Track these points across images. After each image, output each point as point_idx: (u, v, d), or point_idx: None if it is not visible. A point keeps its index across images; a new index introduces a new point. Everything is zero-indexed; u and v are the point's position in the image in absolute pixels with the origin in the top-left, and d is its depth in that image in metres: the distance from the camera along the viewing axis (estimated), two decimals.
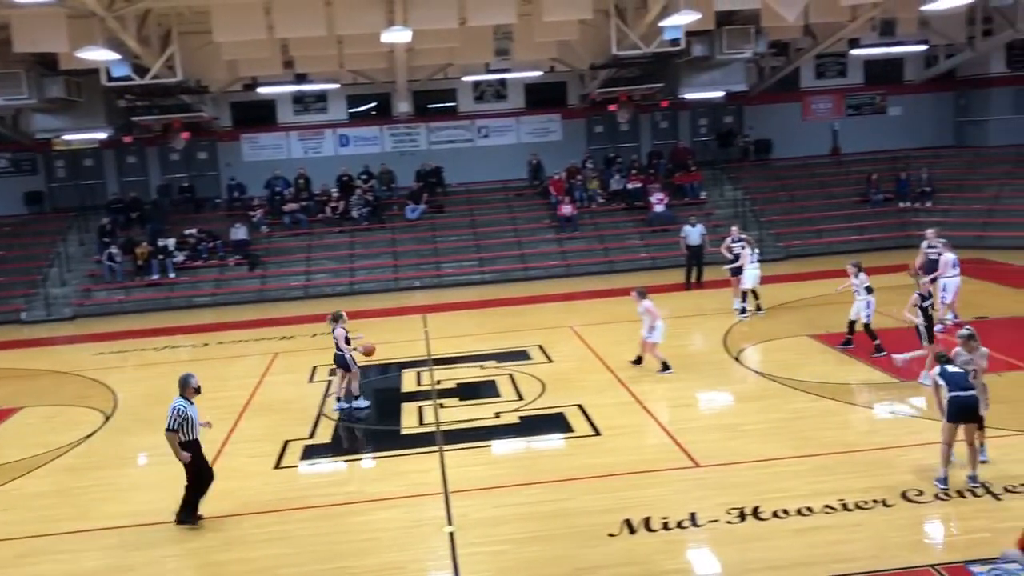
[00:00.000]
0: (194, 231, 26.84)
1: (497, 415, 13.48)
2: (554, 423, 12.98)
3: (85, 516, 10.75)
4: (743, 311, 18.94)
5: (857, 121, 31.54)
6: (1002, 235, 25.03)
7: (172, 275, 25.81)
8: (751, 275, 18.77)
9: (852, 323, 15.43)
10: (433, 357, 17.30)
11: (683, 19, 18.12)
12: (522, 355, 16.98)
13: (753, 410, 13.02)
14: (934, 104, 31.53)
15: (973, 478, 9.77)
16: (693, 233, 22.49)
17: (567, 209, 27.35)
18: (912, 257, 18.12)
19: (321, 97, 30.03)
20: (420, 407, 14.16)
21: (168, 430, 10.05)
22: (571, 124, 30.84)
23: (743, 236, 19.55)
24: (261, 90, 28.33)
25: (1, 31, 19.68)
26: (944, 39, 28.60)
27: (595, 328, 18.56)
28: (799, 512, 9.42)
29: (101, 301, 25.29)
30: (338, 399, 14.27)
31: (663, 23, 18.81)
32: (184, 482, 10.20)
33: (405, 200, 28.48)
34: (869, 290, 15.13)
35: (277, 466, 12.04)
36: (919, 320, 13.27)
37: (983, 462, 10.08)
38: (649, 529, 9.28)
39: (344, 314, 14.55)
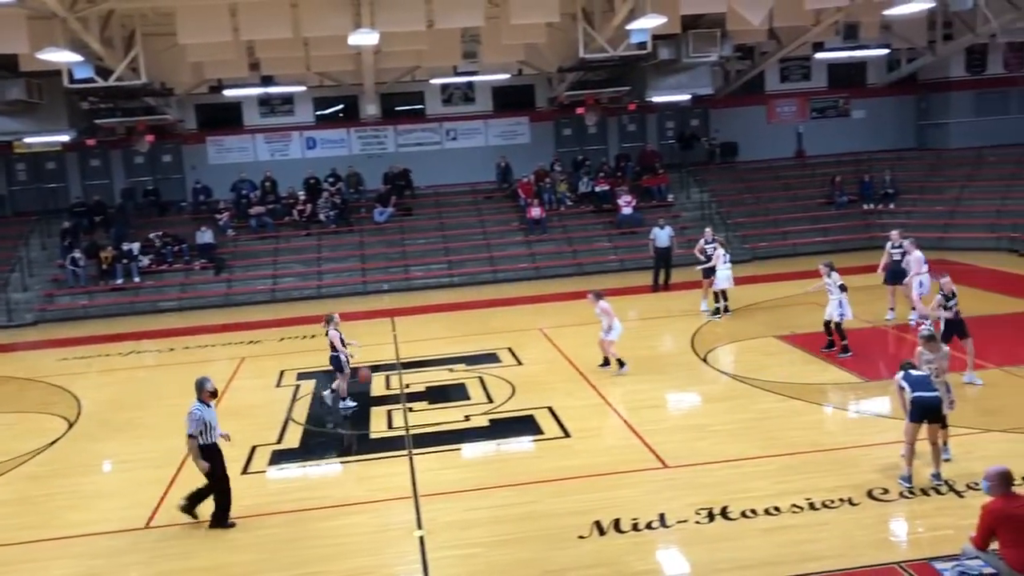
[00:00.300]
0: (159, 235, 26.54)
1: (467, 418, 13.48)
2: (524, 425, 12.99)
3: (49, 525, 10.59)
4: (717, 311, 19.04)
5: (821, 124, 31.93)
6: (963, 236, 25.44)
7: (137, 279, 25.51)
8: (723, 276, 18.91)
9: (828, 324, 15.50)
10: (402, 361, 17.25)
11: (649, 23, 18.23)
12: (491, 358, 16.98)
13: (721, 410, 13.12)
14: (896, 107, 32.01)
15: (937, 476, 9.93)
16: (662, 235, 22.62)
17: (536, 212, 27.41)
18: (877, 258, 18.37)
19: (288, 99, 29.85)
20: (389, 411, 14.10)
21: (189, 436, 9.93)
22: (539, 127, 30.91)
23: (716, 238, 19.66)
24: (227, 92, 28.10)
25: None
26: (906, 43, 29.07)
27: (564, 330, 18.61)
28: (767, 512, 9.51)
29: (64, 306, 24.93)
30: (343, 399, 14.39)
31: (630, 26, 18.91)
32: (200, 487, 10.21)
33: (373, 203, 28.38)
34: (843, 288, 15.21)
35: (244, 471, 11.93)
36: (943, 315, 13.35)
37: (946, 460, 10.24)
38: (619, 530, 9.31)
39: (337, 316, 14.62)
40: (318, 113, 30.30)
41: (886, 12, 21.97)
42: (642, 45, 20.08)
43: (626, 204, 27.51)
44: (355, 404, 14.39)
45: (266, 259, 26.86)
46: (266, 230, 27.68)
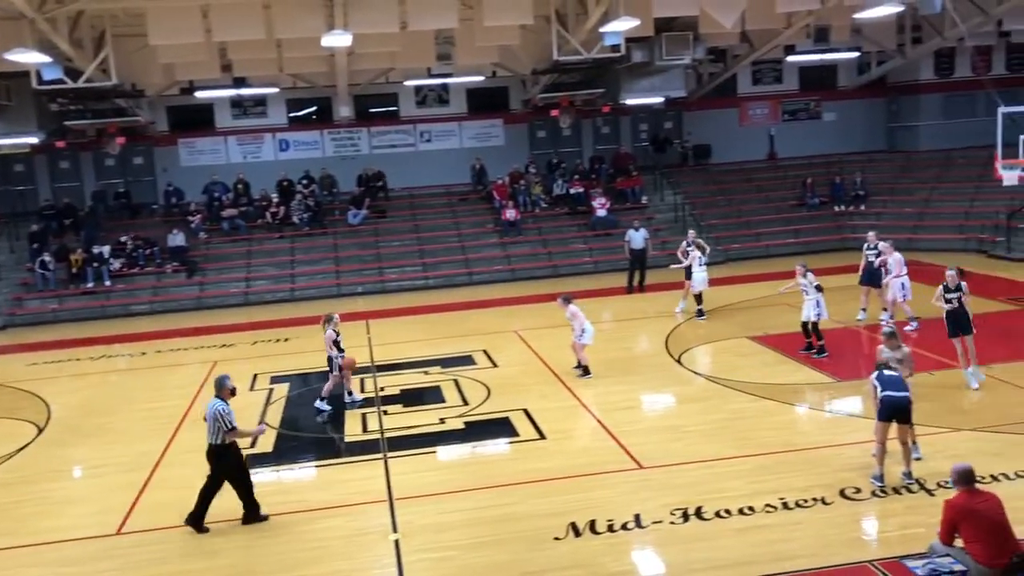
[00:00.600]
0: (130, 237, 26.29)
1: (442, 421, 13.46)
2: (499, 428, 12.99)
3: (18, 532, 10.45)
4: (700, 312, 19.10)
5: (793, 126, 32.19)
6: (932, 237, 25.72)
7: (108, 283, 25.23)
8: (699, 278, 19.00)
9: (805, 325, 15.54)
10: (376, 364, 17.19)
11: (622, 25, 18.31)
12: (467, 360, 16.96)
13: (695, 411, 13.19)
14: (867, 110, 32.34)
15: (908, 475, 10.04)
16: (636, 237, 22.70)
17: (510, 214, 27.42)
18: (849, 259, 18.54)
19: (260, 101, 29.65)
20: (364, 414, 14.05)
21: (231, 430, 9.91)
22: (514, 129, 30.93)
23: (696, 240, 19.67)
24: (199, 94, 27.88)
25: None
26: (876, 46, 29.40)
27: (539, 332, 18.63)
28: (741, 512, 9.57)
29: (34, 310, 24.61)
30: (349, 392, 14.54)
31: (603, 29, 18.98)
32: (230, 488, 10.17)
33: (347, 205, 28.27)
34: (819, 289, 15.28)
35: None
36: (943, 306, 13.39)
37: (917, 459, 10.37)
38: (594, 532, 9.34)
39: (336, 316, 14.62)
40: (291, 115, 30.14)
41: (856, 15, 22.18)
42: (615, 48, 20.15)
43: (600, 206, 27.60)
44: (331, 408, 14.31)
45: (239, 262, 26.67)
46: (239, 233, 27.49)
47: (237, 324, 22.29)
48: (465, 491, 10.68)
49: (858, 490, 9.92)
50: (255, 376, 16.79)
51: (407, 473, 11.42)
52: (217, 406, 9.94)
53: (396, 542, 9.47)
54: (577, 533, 9.33)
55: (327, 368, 14.54)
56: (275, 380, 16.44)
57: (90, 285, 25.08)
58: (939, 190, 28.23)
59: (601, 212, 27.52)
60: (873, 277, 17.54)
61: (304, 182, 28.58)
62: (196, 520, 10.02)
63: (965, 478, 7.45)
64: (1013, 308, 18.45)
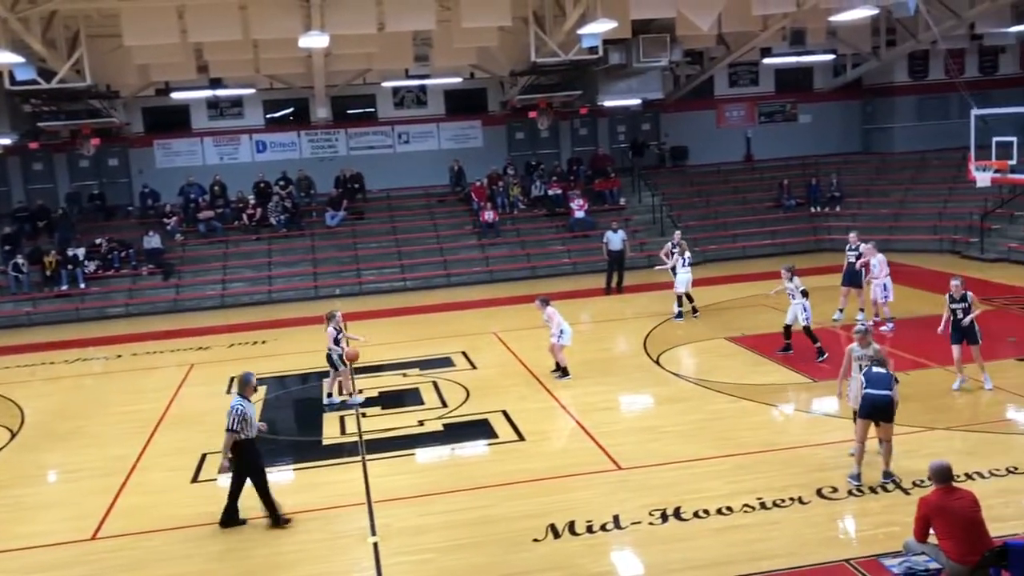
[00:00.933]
0: (105, 239, 26.05)
1: (421, 423, 13.43)
2: (478, 430, 12.98)
3: None
4: (679, 315, 19.14)
5: (769, 128, 32.38)
6: (907, 238, 25.96)
7: (82, 285, 24.98)
8: (682, 279, 19.04)
9: (788, 327, 15.54)
10: (354, 365, 17.08)
11: (600, 27, 18.34)
12: (445, 362, 16.93)
13: (673, 412, 13.24)
14: (842, 112, 32.59)
15: (887, 475, 10.10)
16: (614, 239, 22.77)
17: (489, 215, 27.42)
18: (824, 260, 18.67)
19: (237, 102, 29.46)
20: (342, 416, 13.99)
21: (228, 430, 9.82)
22: (492, 130, 30.92)
23: (679, 242, 19.64)
24: (174, 95, 27.68)
25: None
26: (851, 49, 29.67)
27: (518, 334, 18.62)
28: (719, 511, 9.61)
29: (7, 313, 24.31)
30: (328, 395, 14.56)
31: (581, 31, 19.01)
32: (246, 489, 10.11)
33: (324, 207, 28.15)
34: (804, 293, 15.28)
35: (195, 480, 11.76)
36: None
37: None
38: (573, 533, 9.35)
39: (338, 314, 14.70)
40: (268, 116, 29.96)
41: (831, 18, 22.37)
42: (593, 50, 20.19)
43: (579, 208, 27.65)
44: (362, 400, 14.54)
45: (215, 264, 26.50)
46: (215, 235, 27.31)
47: (214, 326, 22.13)
48: (444, 493, 10.66)
49: (835, 489, 9.99)
50: (232, 379, 16.64)
51: (385, 476, 11.38)
52: (234, 404, 9.89)
53: (374, 545, 9.44)
54: (556, 534, 9.33)
55: (328, 366, 14.61)
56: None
57: (64, 288, 24.83)
58: (913, 191, 28.52)
59: (579, 214, 27.58)
60: (853, 278, 17.67)
61: (281, 183, 28.42)
62: (275, 520, 9.99)
63: (940, 475, 7.52)
64: (986, 308, 18.60)
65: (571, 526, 9.47)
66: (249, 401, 10.04)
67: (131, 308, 24.75)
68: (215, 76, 25.71)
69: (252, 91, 28.43)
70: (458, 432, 12.96)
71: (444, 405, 14.24)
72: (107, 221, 27.94)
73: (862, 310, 17.75)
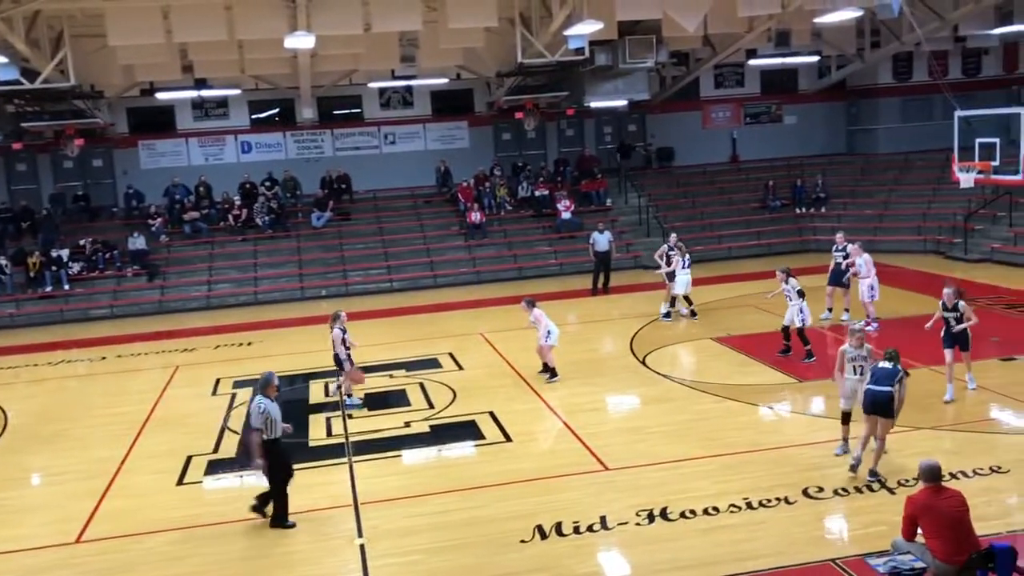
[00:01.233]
0: (89, 241, 25.89)
1: (407, 424, 13.41)
2: (465, 431, 12.97)
3: None
4: (667, 315, 19.10)
5: (755, 129, 32.50)
6: (892, 239, 26.09)
7: (66, 286, 24.82)
8: (682, 281, 19.02)
9: (786, 329, 15.51)
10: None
11: (586, 28, 18.37)
12: (432, 363, 16.92)
13: (660, 412, 13.27)
14: (827, 113, 32.75)
15: (872, 473, 10.16)
16: (601, 240, 22.80)
17: (476, 216, 27.41)
18: (810, 261, 18.74)
19: (222, 103, 29.34)
20: (328, 418, 13.95)
21: (254, 429, 9.78)
22: (478, 131, 30.91)
23: (678, 243, 19.64)
24: (159, 95, 27.53)
25: None
26: (835, 50, 29.81)
27: (505, 334, 18.62)
28: (706, 512, 9.64)
29: None
30: (347, 396, 14.56)
31: (567, 32, 19.04)
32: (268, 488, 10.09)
33: (310, 207, 28.08)
34: (801, 295, 15.26)
35: (180, 482, 11.71)
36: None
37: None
38: (560, 534, 9.35)
39: (343, 314, 14.62)
40: (253, 116, 29.85)
41: (816, 20, 22.47)
42: (579, 51, 20.21)
43: (565, 209, 27.68)
44: (360, 402, 14.49)
45: (201, 265, 26.38)
46: (200, 236, 27.20)
47: (199, 328, 22.04)
48: (431, 495, 10.64)
49: (821, 489, 10.03)
50: (218, 381, 16.62)
51: (372, 477, 11.36)
52: (257, 402, 9.86)
53: (361, 547, 9.41)
54: (543, 535, 9.33)
55: (335, 367, 14.63)
56: (238, 384, 16.26)
57: (48, 289, 24.67)
58: (898, 192, 28.69)
59: (566, 214, 27.61)
60: (838, 278, 17.75)
61: (267, 184, 28.34)
62: (278, 519, 9.96)
63: (929, 475, 7.56)
64: (975, 323, 18.70)
65: (558, 527, 9.47)
66: (273, 400, 10.00)
67: (116, 309, 24.60)
68: (200, 76, 25.59)
69: (237, 92, 28.32)
70: (445, 433, 12.94)
71: (431, 406, 14.22)
72: (91, 222, 27.77)
73: (847, 310, 17.84)
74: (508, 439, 12.51)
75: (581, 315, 20.89)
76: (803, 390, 13.94)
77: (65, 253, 25.16)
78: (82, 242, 25.89)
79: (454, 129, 30.76)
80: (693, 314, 19.23)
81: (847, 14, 20.49)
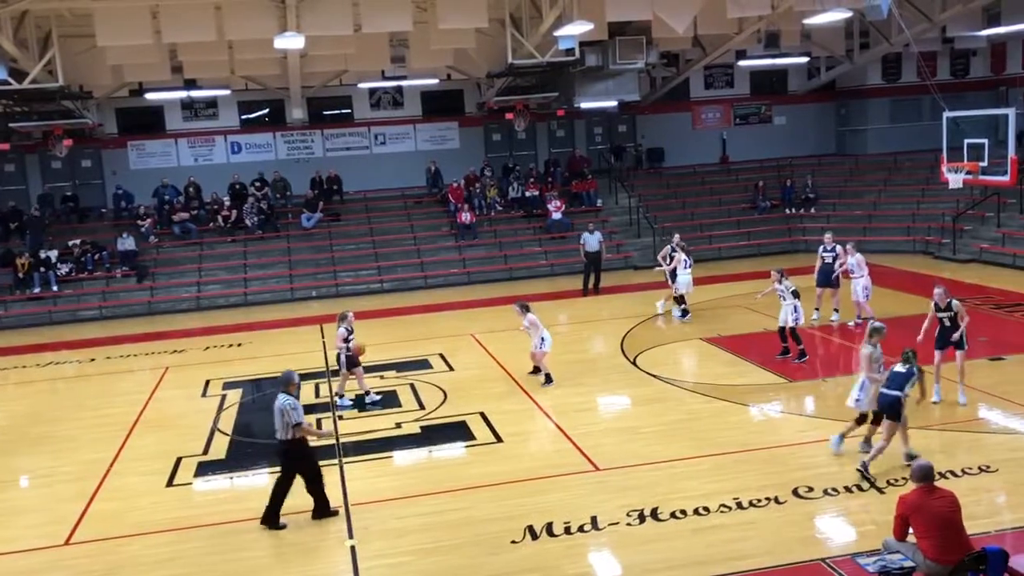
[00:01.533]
0: (77, 242, 25.77)
1: (398, 425, 13.39)
2: (456, 432, 12.96)
3: None
4: (684, 313, 18.99)
5: (744, 130, 32.60)
6: (881, 239, 26.19)
7: (55, 288, 24.71)
8: (683, 281, 19.00)
9: (783, 329, 15.47)
10: (332, 368, 17.02)
11: (576, 29, 18.39)
12: (423, 364, 16.90)
13: (651, 413, 13.28)
14: (816, 114, 32.89)
15: (864, 466, 10.25)
16: (591, 240, 22.82)
17: (466, 217, 27.40)
18: (799, 261, 18.78)
19: (211, 103, 29.26)
20: (318, 419, 13.91)
21: (296, 425, 9.81)
22: (469, 132, 30.91)
23: (681, 243, 19.61)
24: (148, 96, 27.44)
25: None
26: (825, 52, 29.90)
27: (496, 335, 18.62)
28: (696, 512, 9.65)
29: None
30: (367, 393, 14.53)
31: (557, 33, 19.06)
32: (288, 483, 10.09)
33: (300, 208, 28.02)
34: (796, 295, 15.26)
35: (170, 484, 11.66)
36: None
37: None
38: (551, 534, 9.35)
39: (350, 314, 14.57)
40: (243, 117, 29.78)
41: (806, 21, 22.56)
42: (570, 51, 20.22)
43: (556, 209, 27.70)
44: (351, 403, 14.44)
45: (190, 266, 26.30)
46: (190, 237, 27.11)
47: (189, 329, 21.98)
48: (421, 496, 10.63)
49: (811, 489, 10.06)
50: (207, 382, 16.56)
51: (363, 478, 11.34)
52: (284, 401, 9.85)
53: (352, 548, 9.40)
54: (534, 536, 9.33)
55: (336, 366, 14.66)
56: (228, 386, 16.23)
57: (37, 290, 24.55)
58: (887, 193, 28.81)
59: (556, 215, 27.63)
60: (828, 278, 17.79)
61: (257, 185, 28.28)
62: (270, 518, 9.94)
63: (921, 475, 7.59)
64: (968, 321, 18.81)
65: (549, 527, 9.47)
66: (296, 398, 10.04)
67: (105, 311, 24.50)
68: (189, 77, 25.51)
69: (227, 92, 28.24)
70: (436, 434, 12.93)
71: (422, 407, 14.21)
72: (80, 223, 27.67)
73: (836, 310, 17.90)
74: (499, 440, 12.51)
75: (572, 316, 20.90)
76: (793, 390, 13.98)
77: (54, 254, 25.06)
78: (71, 243, 25.78)
79: (444, 130, 30.75)
80: (685, 313, 19.24)
81: (836, 15, 20.57)
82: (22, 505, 11.52)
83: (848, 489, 10.03)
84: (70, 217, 27.83)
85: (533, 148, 31.48)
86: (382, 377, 16.14)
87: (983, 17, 27.02)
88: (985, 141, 19.77)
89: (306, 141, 29.99)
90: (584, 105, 26.75)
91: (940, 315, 12.77)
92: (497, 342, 18.03)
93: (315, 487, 10.06)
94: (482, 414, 13.51)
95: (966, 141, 19.76)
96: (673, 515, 9.61)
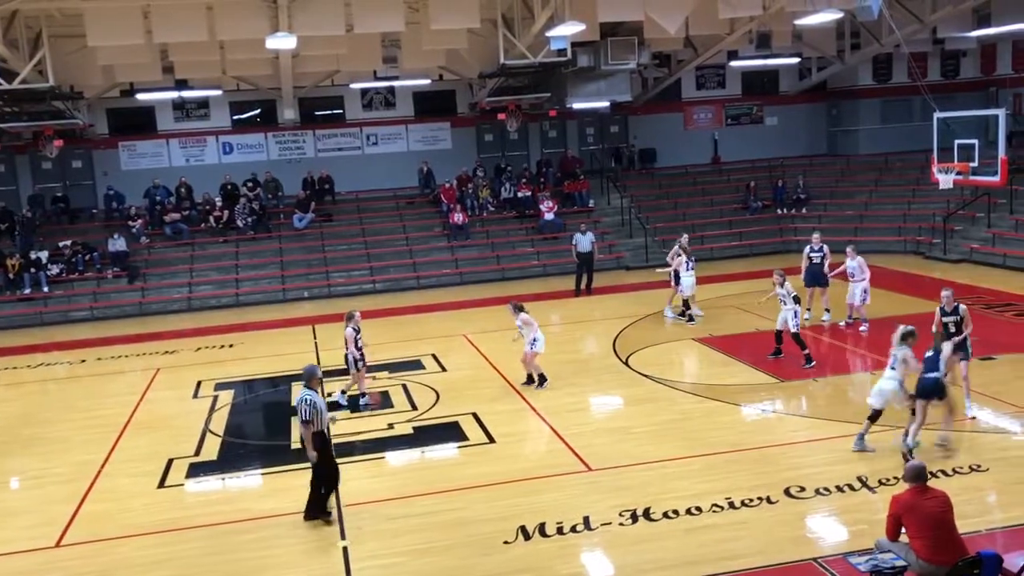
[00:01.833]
0: (68, 243, 25.68)
1: (391, 426, 13.38)
2: (448, 432, 12.95)
3: None
4: (690, 317, 18.88)
5: (736, 131, 32.65)
6: (872, 239, 26.24)
7: (46, 289, 24.62)
8: (687, 282, 18.95)
9: (779, 332, 15.43)
10: (324, 369, 16.96)
11: (568, 30, 18.41)
12: (415, 365, 16.89)
13: (643, 413, 13.30)
14: (808, 114, 32.96)
15: (911, 447, 10.60)
16: (583, 240, 22.83)
17: (458, 217, 27.39)
18: (791, 261, 18.83)
19: (203, 104, 29.17)
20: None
21: (303, 422, 9.81)
22: (461, 132, 30.89)
23: (684, 246, 19.48)
24: (139, 96, 27.35)
25: None
26: (816, 52, 29.98)
27: (488, 336, 18.61)
28: (688, 512, 9.67)
29: None
30: (363, 395, 14.44)
31: (549, 33, 19.06)
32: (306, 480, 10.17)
33: (292, 209, 27.98)
34: (796, 299, 15.20)
35: (161, 485, 11.64)
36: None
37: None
38: (544, 535, 9.36)
39: (357, 314, 14.46)
40: (235, 117, 29.70)
41: (797, 22, 22.62)
42: (562, 52, 20.21)
43: (548, 210, 27.71)
44: (345, 404, 14.32)
45: (182, 267, 26.23)
46: (181, 237, 27.03)
47: (180, 330, 21.92)
48: (414, 496, 10.63)
49: (802, 488, 10.08)
50: (199, 383, 16.52)
51: (356, 479, 11.31)
52: (304, 395, 9.87)
53: (345, 549, 9.39)
54: (527, 536, 9.34)
55: (344, 366, 14.59)
56: (220, 387, 16.19)
57: (28, 291, 24.46)
58: (878, 193, 28.89)
59: (548, 216, 27.64)
60: (817, 278, 17.81)
61: (248, 185, 28.22)
62: (313, 510, 9.96)
63: (914, 475, 7.61)
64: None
65: (542, 528, 9.48)
66: (317, 392, 10.03)
67: (96, 312, 24.42)
68: (181, 77, 25.41)
69: (218, 92, 28.18)
70: (428, 435, 12.93)
71: (414, 408, 14.21)
72: (71, 224, 27.57)
73: (828, 310, 17.94)
74: (491, 440, 12.51)
75: (564, 316, 20.91)
76: (784, 390, 14.02)
77: (44, 255, 24.97)
78: (62, 244, 25.70)
79: (436, 130, 30.73)
80: (682, 315, 19.22)
81: (827, 16, 20.62)
82: (13, 507, 11.47)
83: (840, 489, 10.05)
84: (61, 218, 27.73)
85: (525, 148, 31.48)
86: (374, 378, 16.10)
87: (973, 18, 27.11)
88: (975, 142, 19.82)
89: (298, 141, 29.94)
90: (576, 105, 26.76)
91: (946, 319, 12.55)
92: (489, 343, 18.02)
93: (314, 487, 10.03)
94: (475, 415, 13.51)
95: (956, 141, 19.79)
96: (665, 515, 9.63)
